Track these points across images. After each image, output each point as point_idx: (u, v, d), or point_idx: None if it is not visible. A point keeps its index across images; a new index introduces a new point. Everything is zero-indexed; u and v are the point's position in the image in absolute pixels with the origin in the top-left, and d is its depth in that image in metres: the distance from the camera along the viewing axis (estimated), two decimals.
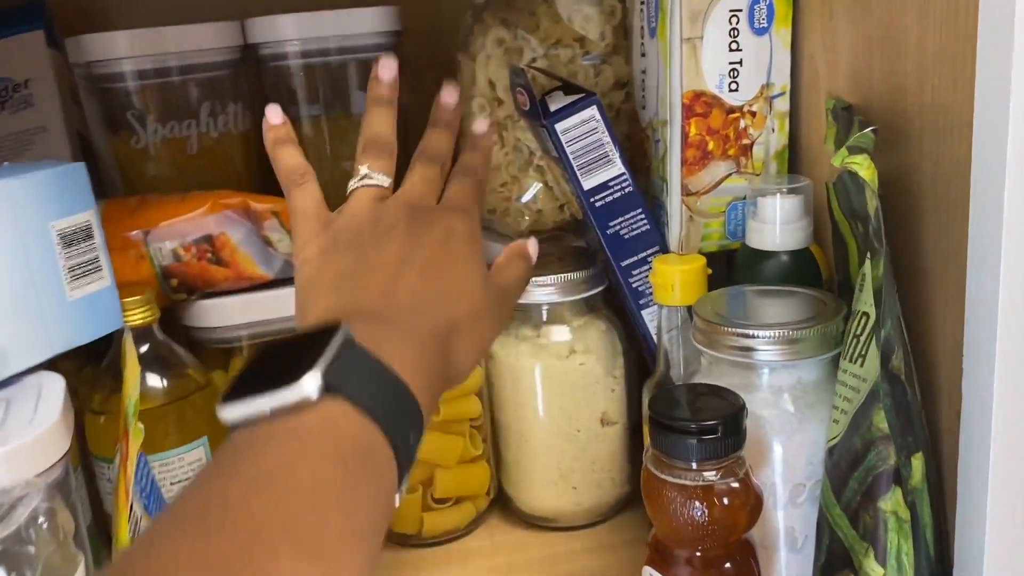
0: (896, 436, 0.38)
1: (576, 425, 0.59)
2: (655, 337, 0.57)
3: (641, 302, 0.58)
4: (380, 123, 0.47)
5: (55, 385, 0.46)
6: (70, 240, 0.49)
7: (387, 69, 0.48)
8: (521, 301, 0.58)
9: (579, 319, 0.59)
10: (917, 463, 0.38)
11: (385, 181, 0.45)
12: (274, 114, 0.47)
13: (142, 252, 0.57)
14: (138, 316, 0.53)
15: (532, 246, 0.48)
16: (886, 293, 0.38)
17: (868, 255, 0.40)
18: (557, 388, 0.59)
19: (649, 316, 0.58)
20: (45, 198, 0.48)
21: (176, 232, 0.57)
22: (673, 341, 0.55)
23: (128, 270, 0.57)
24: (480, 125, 0.50)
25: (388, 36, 0.72)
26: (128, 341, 0.49)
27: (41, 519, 0.37)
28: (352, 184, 0.45)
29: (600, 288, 0.59)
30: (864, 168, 0.38)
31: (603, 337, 0.59)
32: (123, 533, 0.41)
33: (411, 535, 0.61)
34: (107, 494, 0.56)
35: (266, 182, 0.73)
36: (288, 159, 0.46)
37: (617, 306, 0.61)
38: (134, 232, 0.57)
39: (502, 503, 0.64)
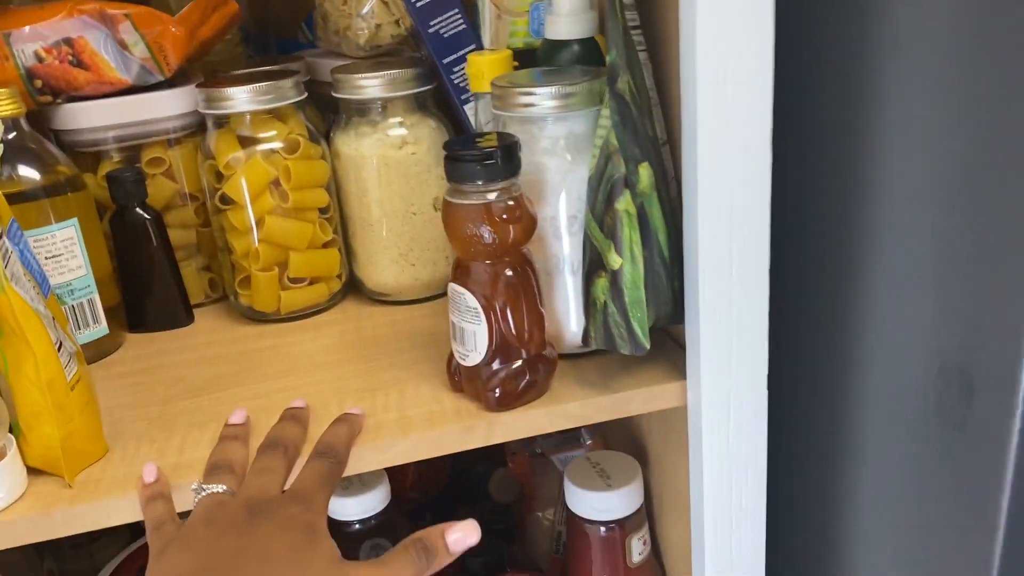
0: (624, 148, 0.48)
1: (412, 209, 0.68)
2: (475, 129, 0.66)
3: (463, 97, 0.66)
4: (230, 451, 0.50)
5: None
6: None
7: (238, 415, 0.53)
8: (356, 97, 0.66)
9: (411, 116, 0.68)
10: (644, 171, 0.49)
11: (221, 488, 0.47)
12: (148, 472, 0.49)
13: (5, 53, 0.62)
14: (4, 107, 0.59)
15: (454, 537, 0.48)
16: (611, 28, 0.48)
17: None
18: (394, 176, 0.67)
19: (470, 111, 0.67)
20: None
21: (37, 35, 0.63)
22: (491, 130, 0.64)
23: None
24: (298, 401, 0.53)
25: None
26: None
27: None
28: (193, 499, 0.48)
29: (426, 87, 0.67)
30: None
31: (433, 133, 0.68)
32: None
33: (271, 313, 0.69)
34: None
35: None
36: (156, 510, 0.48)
37: (448, 110, 0.70)
38: None
39: (355, 288, 0.73)
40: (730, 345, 0.52)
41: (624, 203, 0.48)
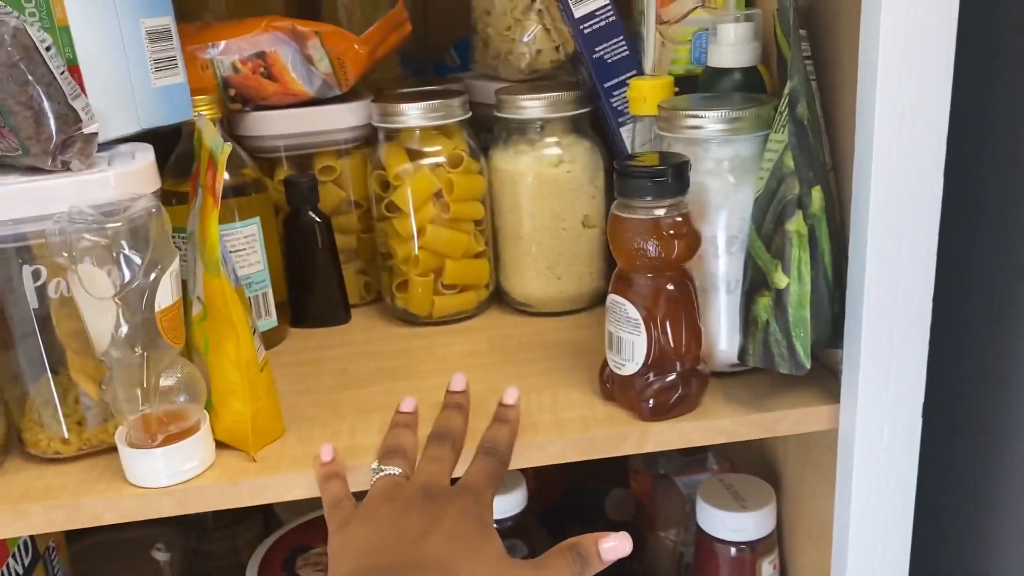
0: (799, 171, 0.50)
1: (562, 225, 0.71)
2: (631, 151, 0.69)
3: (620, 120, 0.69)
4: (402, 437, 0.53)
5: (146, 149, 0.58)
6: (155, 37, 0.61)
7: (408, 403, 0.56)
8: (517, 116, 0.70)
9: (568, 136, 0.71)
10: (816, 194, 0.50)
11: (397, 471, 0.50)
12: (325, 452, 0.53)
13: (206, 63, 0.69)
14: (205, 110, 0.65)
15: (608, 545, 0.48)
16: (793, 56, 0.50)
17: (787, 37, 0.52)
18: (548, 192, 0.70)
19: (626, 134, 0.70)
20: None
21: (235, 48, 0.69)
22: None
23: (195, 79, 0.68)
24: (458, 381, 0.56)
25: None
26: (204, 120, 0.60)
27: (153, 210, 0.50)
28: (370, 478, 0.51)
29: (584, 110, 0.70)
30: None
31: (587, 153, 0.71)
32: (213, 240, 0.52)
33: (423, 316, 0.73)
34: (182, 260, 0.69)
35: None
36: (333, 488, 0.51)
37: (602, 133, 0.73)
38: (200, 47, 0.69)
39: (500, 298, 0.77)
40: (888, 371, 0.53)
41: (795, 223, 0.50)
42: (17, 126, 0.51)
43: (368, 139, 0.76)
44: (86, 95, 0.56)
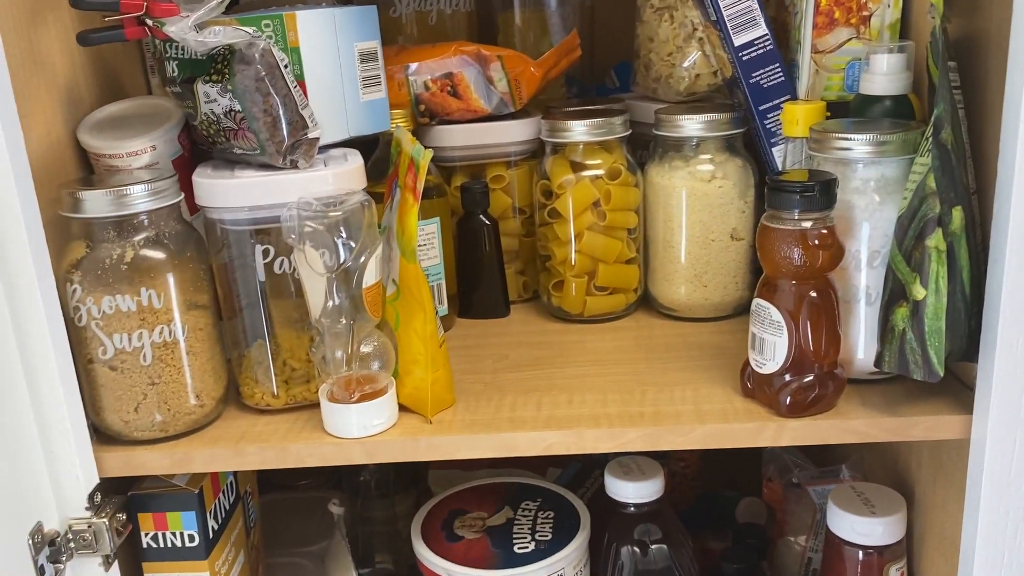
0: (941, 191, 0.54)
1: (711, 236, 0.77)
2: (782, 170, 0.74)
3: (773, 141, 0.74)
4: None
5: (355, 153, 0.68)
6: (365, 58, 0.71)
7: None
8: (675, 135, 0.76)
9: (721, 154, 0.76)
10: (957, 214, 0.54)
11: None
12: None
13: (402, 82, 0.79)
14: (401, 123, 0.75)
15: None
16: (940, 84, 0.54)
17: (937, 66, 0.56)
18: (699, 206, 0.76)
19: (778, 154, 0.75)
20: (354, 25, 0.70)
21: (427, 69, 0.78)
22: None
23: (392, 94, 0.78)
24: None
25: None
26: (402, 130, 0.70)
27: (365, 202, 0.59)
28: None
29: (738, 130, 0.76)
30: None
31: (739, 170, 0.76)
32: (412, 230, 0.61)
33: (576, 314, 0.80)
34: None
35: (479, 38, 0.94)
36: None
37: (754, 151, 0.78)
38: (398, 67, 0.79)
39: (647, 302, 0.83)
40: (1022, 384, 0.55)
41: (935, 240, 0.54)
42: (258, 130, 0.62)
43: (534, 152, 0.84)
44: (309, 104, 0.66)
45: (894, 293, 0.58)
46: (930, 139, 0.55)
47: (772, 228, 0.59)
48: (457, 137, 0.82)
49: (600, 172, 0.77)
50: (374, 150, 0.77)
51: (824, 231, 0.58)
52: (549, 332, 0.80)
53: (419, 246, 0.77)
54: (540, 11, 0.94)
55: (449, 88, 0.79)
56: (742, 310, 0.80)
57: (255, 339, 0.66)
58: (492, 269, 0.83)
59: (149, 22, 0.58)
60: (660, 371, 0.69)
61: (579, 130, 0.76)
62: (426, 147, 0.83)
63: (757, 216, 0.78)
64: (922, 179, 0.55)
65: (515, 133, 0.82)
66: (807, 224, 0.58)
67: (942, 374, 0.56)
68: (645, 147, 0.85)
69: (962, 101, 0.58)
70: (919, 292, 0.55)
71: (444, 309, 0.79)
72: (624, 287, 0.81)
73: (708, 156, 0.76)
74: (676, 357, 0.72)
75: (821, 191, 0.57)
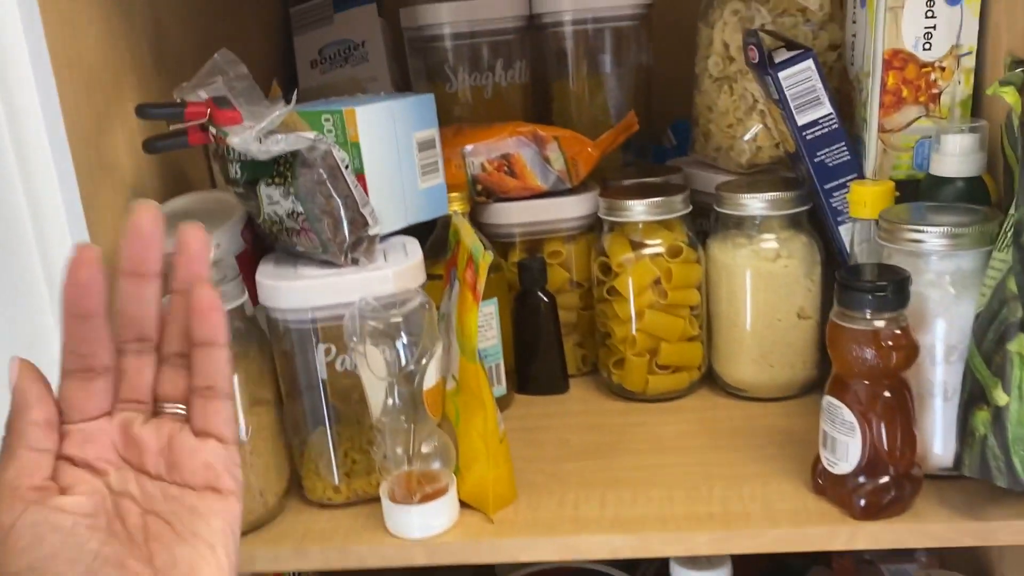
0: (1023, 296, 0.51)
1: (777, 316, 0.75)
2: (848, 249, 0.72)
3: (839, 219, 0.72)
4: None
5: (413, 243, 0.68)
6: (423, 147, 0.71)
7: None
8: (738, 213, 0.75)
9: (785, 231, 0.75)
10: None
11: None
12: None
13: (459, 163, 0.79)
14: (458, 206, 0.75)
15: None
16: (1020, 186, 0.52)
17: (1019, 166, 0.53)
18: (764, 285, 0.74)
19: (845, 232, 0.72)
20: (412, 115, 0.70)
21: (484, 150, 0.78)
22: (863, 252, 0.69)
23: (449, 176, 0.78)
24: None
25: (640, 8, 0.90)
26: (459, 217, 0.70)
27: (426, 306, 0.59)
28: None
29: (803, 208, 0.74)
30: (1009, 95, 0.52)
31: (804, 247, 0.75)
32: (472, 330, 0.61)
33: (638, 393, 0.79)
34: None
35: (538, 121, 0.94)
36: None
37: (819, 226, 0.76)
38: (455, 149, 0.79)
39: (711, 379, 0.81)
40: None
41: (1018, 345, 0.52)
42: (320, 230, 0.62)
43: (591, 226, 0.83)
44: (369, 199, 0.67)
45: (973, 394, 0.56)
46: (1010, 236, 0.53)
47: (843, 327, 0.57)
48: (514, 214, 0.82)
49: (660, 250, 0.76)
50: (432, 229, 0.78)
51: (898, 331, 0.56)
52: (610, 412, 0.78)
53: (479, 327, 0.77)
54: (596, 75, 0.93)
55: (506, 168, 0.79)
56: (810, 389, 0.77)
57: (316, 426, 0.66)
58: (551, 345, 0.82)
59: (213, 130, 0.59)
60: (727, 461, 0.67)
61: (638, 210, 0.75)
62: (483, 223, 0.84)
63: (824, 294, 0.76)
64: (1002, 279, 0.53)
65: (572, 209, 0.82)
66: (880, 324, 0.56)
67: None
68: (705, 215, 0.83)
69: None
70: (1002, 398, 0.53)
71: (502, 389, 0.79)
72: (687, 365, 0.79)
73: (772, 234, 0.74)
74: (743, 445, 0.70)
75: (894, 291, 0.55)
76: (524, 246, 0.84)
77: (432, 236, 0.78)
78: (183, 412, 0.41)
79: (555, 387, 0.83)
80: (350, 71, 0.98)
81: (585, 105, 0.94)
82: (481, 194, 0.81)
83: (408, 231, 0.71)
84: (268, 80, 0.89)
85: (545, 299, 0.81)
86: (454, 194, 0.75)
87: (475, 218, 0.83)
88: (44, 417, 0.39)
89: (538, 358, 0.82)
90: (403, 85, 1.00)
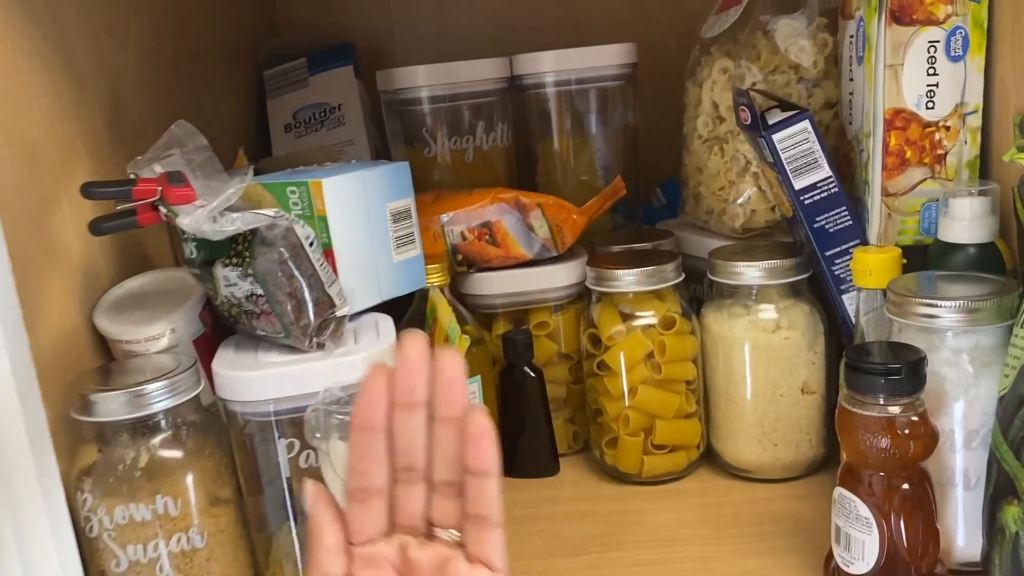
0: None
1: (779, 391, 0.70)
2: (853, 319, 0.67)
3: (842, 288, 0.68)
4: None
5: (387, 321, 0.64)
6: (397, 217, 0.66)
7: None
8: (733, 282, 0.70)
9: (785, 300, 0.70)
10: None
11: None
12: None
13: (439, 233, 0.74)
14: (437, 278, 0.70)
15: None
16: None
17: None
18: (764, 358, 0.69)
19: (848, 301, 0.68)
20: (385, 185, 0.65)
21: (464, 218, 0.74)
22: (869, 322, 0.65)
23: (428, 246, 0.73)
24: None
25: (625, 68, 0.87)
26: (436, 292, 0.65)
27: None
28: None
29: (803, 275, 0.69)
30: None
31: (806, 317, 0.70)
32: None
33: (633, 475, 0.74)
34: None
35: (522, 183, 0.90)
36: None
37: (820, 294, 0.71)
38: (433, 218, 0.74)
39: (710, 458, 0.76)
40: None
41: None
42: (281, 313, 0.57)
43: (580, 294, 0.79)
44: (337, 275, 0.62)
45: (1000, 486, 0.50)
46: None
47: (853, 413, 0.52)
48: (497, 284, 0.77)
49: (653, 322, 0.72)
50: (409, 303, 0.73)
51: (915, 418, 0.51)
52: (603, 498, 0.73)
53: None
54: (581, 136, 0.89)
55: (488, 236, 0.74)
56: (817, 469, 0.72)
57: (281, 524, 0.60)
58: (539, 424, 0.77)
59: (163, 209, 0.54)
60: (730, 555, 0.62)
61: (628, 279, 0.71)
62: (464, 294, 0.79)
63: (829, 366, 0.71)
64: None
65: (559, 278, 0.77)
66: (895, 410, 0.51)
67: None
68: (698, 280, 0.79)
69: None
70: None
71: None
72: (685, 444, 0.74)
73: (771, 304, 0.70)
74: (747, 534, 0.64)
75: (909, 373, 0.51)
76: (508, 317, 0.79)
77: (410, 310, 0.73)
78: (457, 537, 0.41)
79: (544, 469, 0.77)
80: (326, 135, 0.94)
81: (570, 167, 0.90)
82: (462, 264, 0.76)
83: (387, 304, 0.66)
84: (238, 148, 0.85)
85: (532, 374, 0.76)
86: (433, 265, 0.70)
87: (456, 289, 0.78)
88: (335, 542, 0.41)
89: (525, 438, 0.77)
90: (382, 148, 0.96)
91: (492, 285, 0.77)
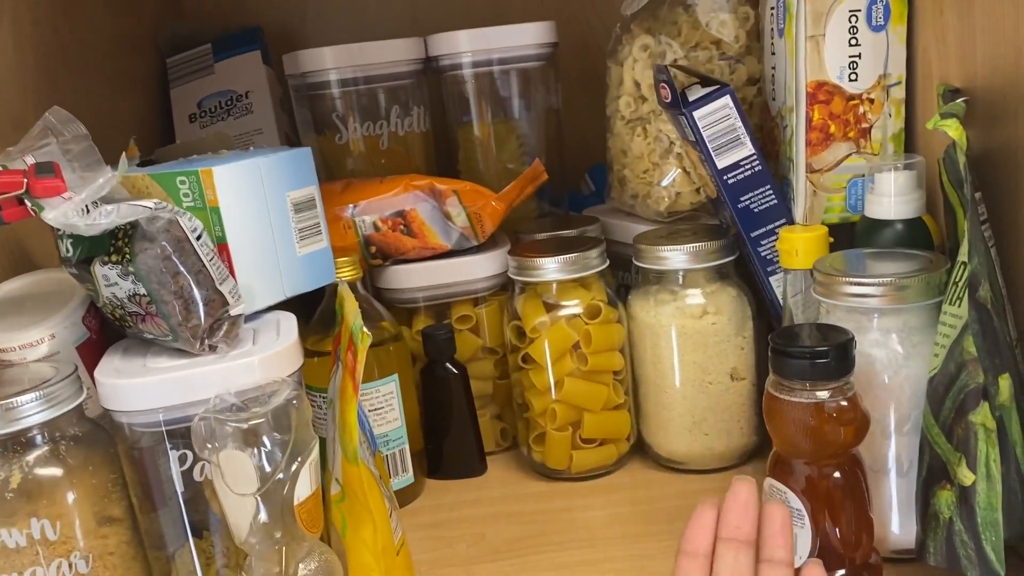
0: (983, 358, 0.44)
1: (708, 378, 0.67)
2: (781, 301, 0.65)
3: (769, 269, 0.65)
4: None
5: (289, 319, 0.59)
6: (300, 207, 0.62)
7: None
8: (658, 268, 0.67)
9: (711, 285, 0.67)
10: (1004, 383, 0.45)
11: None
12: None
13: (349, 224, 0.70)
14: (347, 273, 0.66)
15: None
16: (972, 235, 0.45)
17: (964, 209, 0.47)
18: (691, 345, 0.67)
19: (776, 283, 0.66)
20: (284, 173, 0.61)
21: (376, 208, 0.70)
22: (797, 304, 0.62)
23: (338, 238, 0.69)
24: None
25: (545, 47, 0.83)
26: (344, 287, 0.61)
27: (294, 401, 0.49)
28: None
29: (730, 258, 0.67)
30: (952, 129, 0.45)
31: (733, 301, 0.67)
32: (352, 426, 0.52)
33: (562, 471, 0.70)
34: (319, 420, 0.69)
35: (442, 171, 0.86)
36: None
37: (748, 276, 0.69)
38: (343, 208, 0.70)
39: (641, 451, 0.73)
40: None
41: (981, 416, 0.44)
42: (167, 314, 0.52)
43: (504, 285, 0.75)
44: (234, 271, 0.57)
45: (933, 470, 0.48)
46: (962, 288, 0.46)
47: (780, 399, 0.49)
48: (416, 277, 0.73)
49: (578, 311, 0.68)
50: (320, 298, 0.68)
51: (844, 403, 0.48)
52: (531, 497, 0.69)
53: (376, 409, 0.67)
54: (502, 120, 0.86)
55: (402, 226, 0.70)
56: (750, 457, 0.70)
57: (180, 544, 0.56)
58: (463, 423, 0.73)
59: (28, 203, 0.49)
60: (663, 552, 0.59)
61: (550, 267, 0.67)
62: (381, 289, 0.75)
63: (758, 350, 0.68)
64: (957, 339, 0.46)
65: (481, 269, 0.73)
66: (823, 395, 0.48)
67: (1002, 573, 0.46)
68: (626, 267, 0.76)
69: (992, 237, 0.50)
70: (967, 477, 0.45)
71: (409, 478, 0.69)
72: (614, 437, 0.71)
73: (697, 288, 0.67)
74: (681, 530, 0.61)
75: (837, 356, 0.48)
76: (430, 312, 0.75)
77: (320, 308, 0.69)
78: None
79: (470, 469, 0.74)
80: (233, 124, 0.89)
81: (492, 153, 0.86)
82: (376, 256, 0.72)
83: (299, 301, 0.62)
84: (141, 138, 0.79)
85: (454, 370, 0.72)
86: (343, 259, 0.66)
87: (372, 283, 0.74)
88: None
89: (450, 438, 0.73)
90: (294, 137, 0.91)
91: (411, 278, 0.73)
